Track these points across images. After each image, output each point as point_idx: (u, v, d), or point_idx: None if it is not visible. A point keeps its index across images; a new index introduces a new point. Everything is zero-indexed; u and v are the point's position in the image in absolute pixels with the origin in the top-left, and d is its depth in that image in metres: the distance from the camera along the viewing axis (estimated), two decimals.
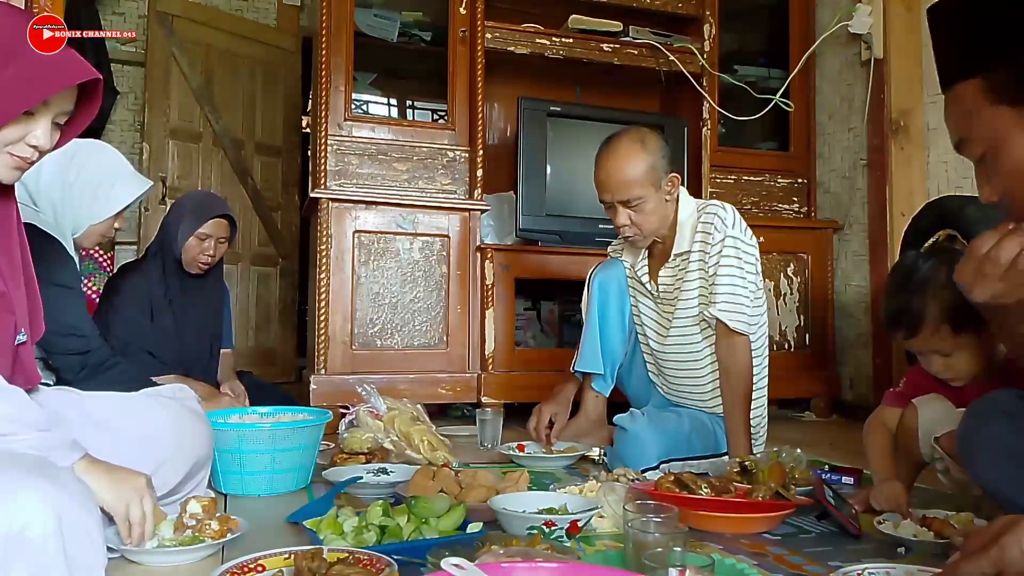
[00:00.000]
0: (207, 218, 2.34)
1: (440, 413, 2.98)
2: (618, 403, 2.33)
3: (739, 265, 1.98)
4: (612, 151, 2.03)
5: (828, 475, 1.89)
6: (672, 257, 2.10)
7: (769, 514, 1.44)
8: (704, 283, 2.04)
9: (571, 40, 3.10)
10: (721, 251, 1.98)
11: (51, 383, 1.68)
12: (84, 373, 1.70)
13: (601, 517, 1.44)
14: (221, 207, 2.41)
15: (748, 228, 2.05)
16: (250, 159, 4.35)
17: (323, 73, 2.82)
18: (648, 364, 2.29)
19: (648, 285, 2.19)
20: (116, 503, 1.15)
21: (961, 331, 1.44)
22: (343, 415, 2.07)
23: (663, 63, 3.20)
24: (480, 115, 2.95)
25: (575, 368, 2.29)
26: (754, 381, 1.98)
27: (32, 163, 1.15)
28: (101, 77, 1.16)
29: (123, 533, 1.17)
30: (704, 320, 2.05)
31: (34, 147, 1.13)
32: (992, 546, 0.87)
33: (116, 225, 1.88)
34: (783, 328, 3.26)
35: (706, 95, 3.22)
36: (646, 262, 2.21)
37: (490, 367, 2.86)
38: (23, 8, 2.31)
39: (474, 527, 1.29)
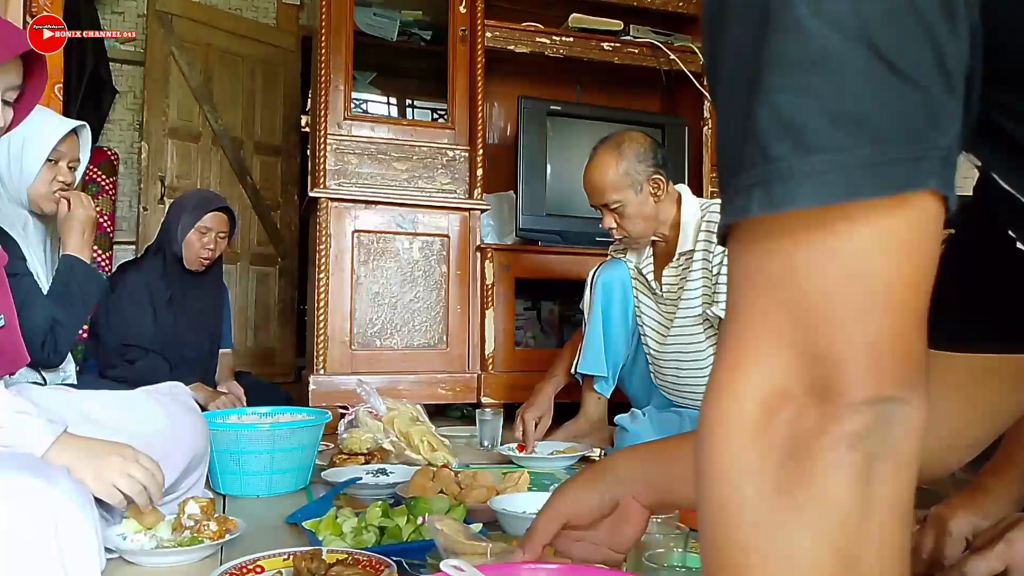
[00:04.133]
0: (207, 211, 2.35)
1: (440, 413, 2.97)
2: (619, 403, 2.33)
3: None
4: (591, 158, 2.11)
5: None
6: (676, 256, 2.09)
7: None
8: (708, 282, 2.03)
9: (571, 39, 3.09)
10: (725, 249, 1.98)
11: (43, 382, 1.67)
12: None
13: None
14: (220, 201, 2.44)
15: None
16: (249, 158, 4.34)
17: (322, 72, 2.81)
18: (650, 364, 2.28)
19: (653, 284, 2.19)
20: (95, 485, 1.08)
21: None
22: (343, 415, 2.06)
23: (664, 62, 3.19)
24: (480, 114, 2.94)
25: (577, 370, 2.28)
26: None
27: None
28: (31, 48, 1.14)
29: (121, 504, 1.13)
30: (707, 320, 2.05)
31: None
32: (999, 542, 0.87)
33: (60, 178, 1.74)
34: None
35: (707, 94, 3.21)
36: (651, 261, 2.21)
37: (490, 367, 2.85)
38: (22, 8, 2.30)
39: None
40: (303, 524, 1.32)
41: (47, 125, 1.72)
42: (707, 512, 0.41)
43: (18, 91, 1.15)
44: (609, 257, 2.36)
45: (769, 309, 0.39)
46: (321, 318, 2.72)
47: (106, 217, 3.87)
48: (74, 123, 1.77)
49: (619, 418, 2.08)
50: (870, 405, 0.38)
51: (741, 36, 0.39)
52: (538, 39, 3.05)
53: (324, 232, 2.74)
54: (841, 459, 0.38)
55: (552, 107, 3.06)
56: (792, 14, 0.36)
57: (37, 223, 1.77)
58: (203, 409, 1.83)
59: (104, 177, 3.80)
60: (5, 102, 1.14)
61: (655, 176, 2.05)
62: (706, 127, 3.23)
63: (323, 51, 2.82)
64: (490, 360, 2.85)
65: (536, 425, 2.19)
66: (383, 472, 1.77)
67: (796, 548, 0.38)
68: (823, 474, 0.38)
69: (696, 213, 2.08)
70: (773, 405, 0.39)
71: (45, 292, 1.72)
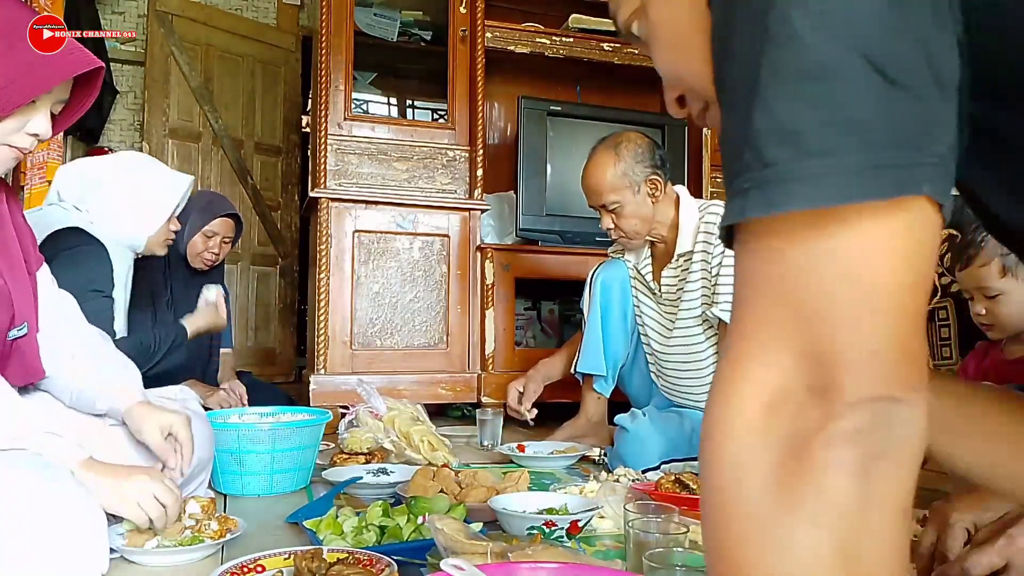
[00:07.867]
0: (215, 216, 2.36)
1: (440, 413, 2.98)
2: (619, 403, 2.33)
3: None
4: (589, 158, 2.12)
5: None
6: (675, 258, 2.10)
7: None
8: (707, 283, 2.04)
9: (571, 39, 3.09)
10: (724, 251, 1.98)
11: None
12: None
13: (601, 517, 1.43)
14: (229, 207, 2.44)
15: None
16: (250, 158, 4.35)
17: (323, 72, 2.82)
18: (650, 364, 2.28)
19: (652, 285, 2.19)
20: (120, 505, 1.14)
21: (1008, 273, 1.50)
22: (343, 415, 2.07)
23: None
24: (480, 115, 2.94)
25: (577, 370, 2.28)
26: None
27: (28, 153, 1.16)
28: (103, 65, 1.16)
29: (143, 523, 1.17)
30: (707, 320, 2.05)
31: (34, 135, 1.12)
32: (1000, 537, 0.88)
33: (172, 228, 1.97)
34: None
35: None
36: (649, 261, 2.21)
37: (490, 367, 2.86)
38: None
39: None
40: (304, 523, 1.32)
41: (167, 183, 1.94)
42: (709, 505, 0.43)
43: (63, 104, 1.17)
44: (609, 257, 2.36)
45: (771, 308, 0.41)
46: (321, 318, 2.72)
47: None
48: (188, 178, 2.02)
49: (619, 418, 2.08)
50: (869, 404, 0.39)
51: (744, 48, 0.41)
52: (538, 39, 3.05)
53: (324, 232, 2.75)
54: (840, 456, 0.39)
55: (552, 107, 3.07)
56: (790, 28, 0.38)
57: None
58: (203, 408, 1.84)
59: None
60: (51, 114, 1.15)
61: (653, 177, 2.06)
62: (705, 128, 3.23)
63: (323, 51, 2.82)
64: (490, 360, 2.86)
65: (520, 395, 2.26)
66: (383, 472, 1.77)
67: (796, 542, 0.39)
68: (822, 470, 0.39)
69: (694, 214, 2.08)
70: (775, 402, 0.40)
71: (120, 305, 1.87)
